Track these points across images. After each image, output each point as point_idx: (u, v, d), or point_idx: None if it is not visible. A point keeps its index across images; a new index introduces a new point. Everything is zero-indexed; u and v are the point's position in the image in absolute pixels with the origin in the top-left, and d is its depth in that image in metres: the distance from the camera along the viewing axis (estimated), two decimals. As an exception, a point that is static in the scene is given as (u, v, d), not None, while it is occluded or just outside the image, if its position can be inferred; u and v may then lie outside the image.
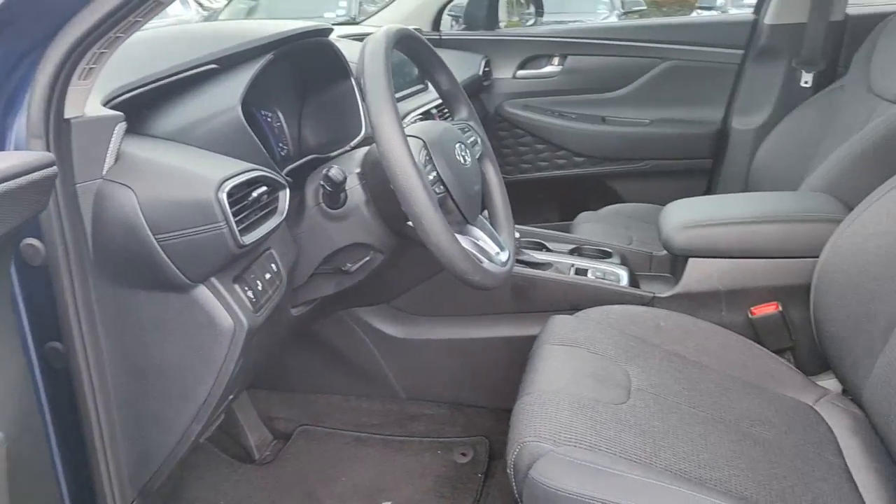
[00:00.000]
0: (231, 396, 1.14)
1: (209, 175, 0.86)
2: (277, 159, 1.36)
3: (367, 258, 1.18)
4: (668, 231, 1.54)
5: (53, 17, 0.76)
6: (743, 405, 1.25)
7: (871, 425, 1.26)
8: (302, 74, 1.36)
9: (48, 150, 0.80)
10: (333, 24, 2.60)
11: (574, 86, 2.44)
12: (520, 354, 1.57)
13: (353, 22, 2.46)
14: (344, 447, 1.72)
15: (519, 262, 1.60)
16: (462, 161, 1.14)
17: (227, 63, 1.05)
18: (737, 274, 1.48)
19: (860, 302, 1.28)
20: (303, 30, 1.25)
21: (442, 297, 1.61)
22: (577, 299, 1.54)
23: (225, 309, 0.91)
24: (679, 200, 1.69)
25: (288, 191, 1.01)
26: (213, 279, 0.91)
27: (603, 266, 1.64)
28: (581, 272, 1.61)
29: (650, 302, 1.52)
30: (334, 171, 1.03)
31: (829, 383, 1.41)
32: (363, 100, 0.99)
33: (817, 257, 1.37)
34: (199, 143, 0.99)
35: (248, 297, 0.94)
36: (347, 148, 1.32)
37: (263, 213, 0.96)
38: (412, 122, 1.43)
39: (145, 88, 0.94)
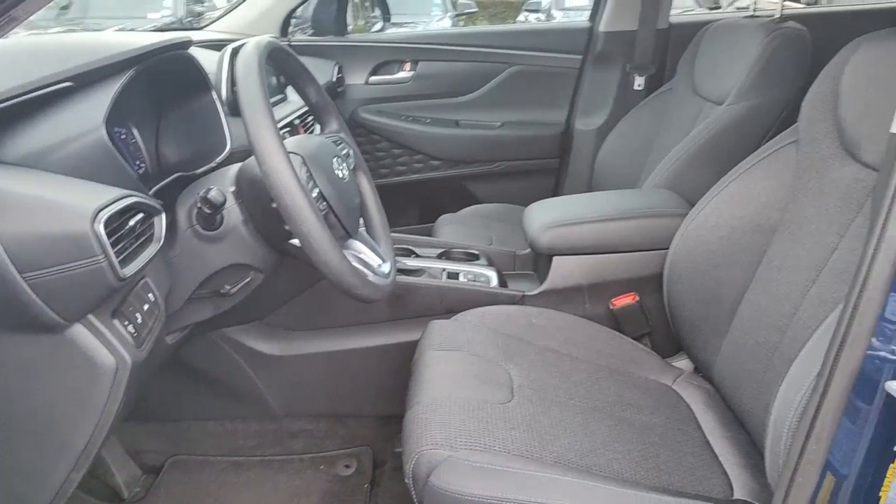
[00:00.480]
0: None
1: (81, 205, 0.80)
2: (137, 175, 1.29)
3: (248, 279, 1.14)
4: (533, 232, 1.61)
5: None
6: (613, 391, 1.35)
7: (722, 398, 1.40)
8: (158, 88, 1.29)
9: None
10: (176, 29, 2.47)
11: (427, 91, 2.49)
12: (399, 361, 1.58)
13: (193, 27, 2.35)
14: (221, 474, 1.65)
15: (391, 269, 1.62)
16: (340, 175, 1.14)
17: (84, 80, 0.97)
18: (598, 269, 1.58)
19: (707, 288, 1.42)
20: (164, 44, 1.18)
21: (316, 311, 1.59)
22: (451, 303, 1.58)
23: (105, 347, 0.85)
24: (540, 201, 1.78)
25: (164, 216, 0.95)
26: (90, 316, 0.84)
27: (472, 268, 1.69)
28: (453, 276, 1.65)
29: (520, 300, 1.59)
30: (213, 194, 0.99)
31: (683, 363, 1.55)
32: (241, 117, 0.96)
33: (668, 249, 1.49)
34: (59, 169, 0.91)
35: (128, 331, 0.88)
36: (213, 164, 1.27)
37: (140, 241, 0.90)
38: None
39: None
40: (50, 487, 0.89)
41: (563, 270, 1.59)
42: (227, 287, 1.17)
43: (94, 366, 0.85)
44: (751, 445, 1.26)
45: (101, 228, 0.79)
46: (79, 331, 0.84)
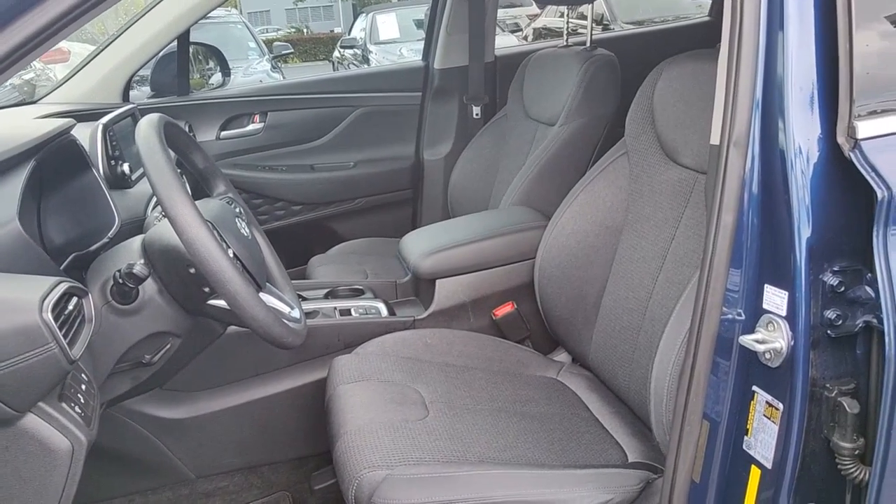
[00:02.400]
0: None
1: (24, 297, 0.82)
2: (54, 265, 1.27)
3: (167, 346, 1.17)
4: (414, 260, 1.75)
5: None
6: (510, 391, 1.50)
7: (601, 381, 1.60)
8: (36, 171, 1.29)
9: None
10: (8, 106, 2.36)
11: (279, 139, 2.55)
12: (306, 402, 1.65)
13: (27, 102, 2.26)
14: (137, 550, 1.62)
15: (286, 315, 1.68)
16: (245, 233, 1.21)
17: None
18: (477, 285, 1.75)
19: (573, 287, 1.62)
20: (56, 131, 1.20)
21: (215, 368, 1.62)
22: (349, 337, 1.67)
23: (59, 431, 0.86)
24: (414, 232, 1.92)
25: (91, 296, 0.98)
26: (41, 404, 0.85)
27: (361, 302, 1.79)
28: (345, 312, 1.75)
29: (412, 325, 1.71)
30: (138, 268, 1.03)
31: (562, 357, 1.75)
32: (154, 193, 1.01)
33: (534, 257, 1.69)
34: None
35: (76, 412, 0.90)
36: (106, 240, 1.29)
37: (76, 324, 0.92)
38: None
39: None
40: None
41: (447, 291, 1.73)
42: (148, 356, 1.19)
43: (49, 451, 0.86)
44: (633, 416, 1.47)
45: (48, 316, 0.82)
46: (31, 420, 0.85)
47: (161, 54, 2.41)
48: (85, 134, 1.44)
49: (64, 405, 0.90)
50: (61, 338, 0.84)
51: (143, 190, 1.53)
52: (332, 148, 2.61)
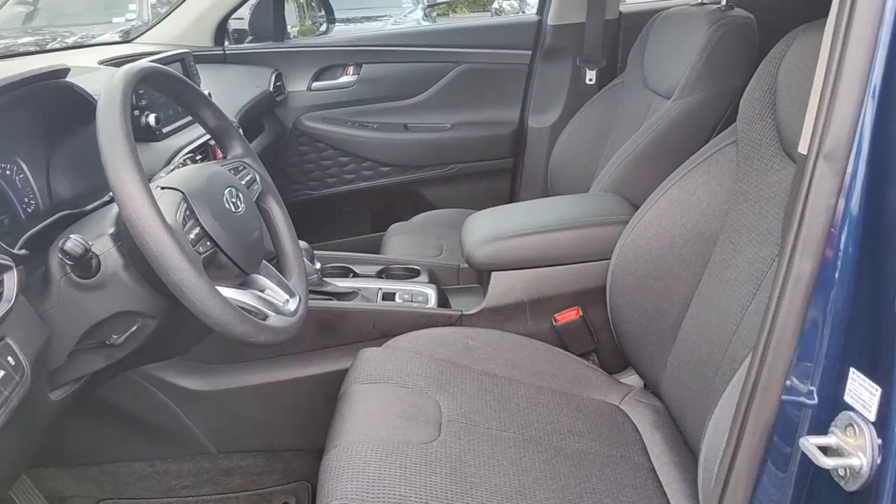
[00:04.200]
0: None
1: None
2: (23, 219, 1.19)
3: (135, 327, 1.04)
4: (469, 247, 1.52)
5: None
6: (553, 418, 1.26)
7: (671, 417, 1.31)
8: (45, 119, 1.19)
9: None
10: (103, 43, 2.36)
11: (372, 94, 2.38)
12: (333, 390, 1.49)
13: (124, 40, 2.23)
14: (154, 519, 1.56)
15: (322, 293, 1.53)
16: (233, 208, 1.04)
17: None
18: (539, 283, 1.50)
19: (649, 301, 1.33)
20: (30, 74, 1.08)
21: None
22: (386, 326, 1.49)
23: None
24: (478, 213, 1.69)
25: (14, 272, 0.85)
26: None
27: (410, 287, 1.60)
28: (389, 296, 1.56)
29: (458, 321, 1.50)
30: (70, 244, 0.89)
31: (632, 379, 1.47)
32: (100, 155, 0.86)
33: (610, 259, 1.41)
34: None
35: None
36: (107, 199, 1.17)
37: None
38: (180, 164, 1.30)
39: None
40: None
41: (503, 286, 1.50)
42: (115, 337, 1.07)
43: None
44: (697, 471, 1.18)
45: None
46: None
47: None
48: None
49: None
50: None
51: (171, 144, 1.40)
52: (428, 107, 2.41)
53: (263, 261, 1.15)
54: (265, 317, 1.04)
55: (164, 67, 1.06)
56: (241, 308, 1.03)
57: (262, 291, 1.11)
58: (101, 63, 1.69)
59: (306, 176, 2.43)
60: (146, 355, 1.31)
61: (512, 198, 2.47)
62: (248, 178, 1.18)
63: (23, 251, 0.94)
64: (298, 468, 1.59)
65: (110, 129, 0.87)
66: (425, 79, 2.39)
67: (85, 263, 0.94)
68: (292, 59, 2.32)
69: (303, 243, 1.48)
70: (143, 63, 1.01)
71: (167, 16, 2.22)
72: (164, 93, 1.11)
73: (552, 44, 2.31)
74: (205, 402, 1.51)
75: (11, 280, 0.85)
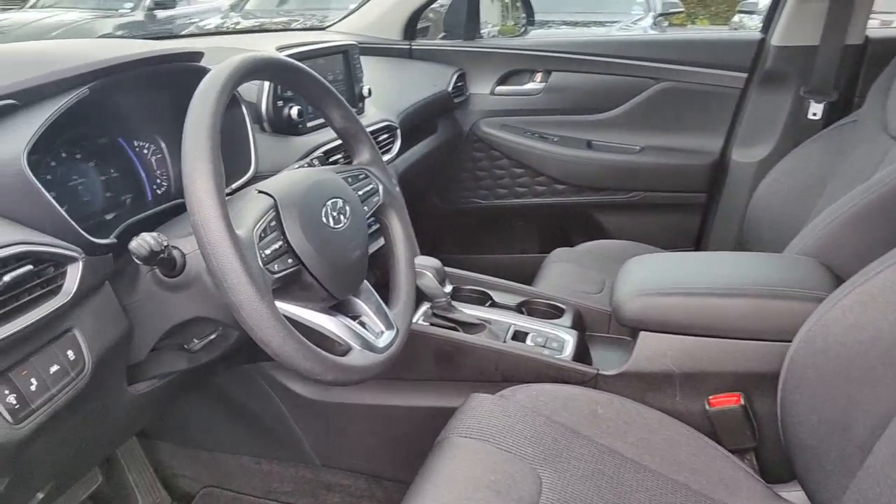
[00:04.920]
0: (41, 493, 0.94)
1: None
2: (149, 200, 1.17)
3: (213, 335, 0.97)
4: (619, 296, 1.30)
5: None
6: (682, 528, 1.02)
7: (842, 561, 1.02)
8: (186, 103, 1.16)
9: None
10: (300, 28, 2.40)
11: (558, 105, 2.20)
12: (442, 428, 1.35)
13: (319, 28, 2.25)
14: (250, 517, 1.53)
15: (449, 320, 1.39)
16: (331, 222, 0.93)
17: (27, 98, 0.85)
18: (696, 354, 1.24)
19: (835, 406, 1.04)
20: (159, 54, 1.05)
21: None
22: (509, 371, 1.32)
23: None
24: (643, 256, 1.46)
25: (80, 264, 0.80)
26: None
27: (547, 329, 1.41)
28: (520, 336, 1.38)
29: (592, 380, 1.29)
30: (135, 244, 0.82)
31: (796, 496, 1.17)
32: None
33: (790, 342, 1.12)
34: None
35: (7, 404, 0.74)
36: (231, 189, 1.12)
37: (37, 294, 0.76)
38: (306, 164, 1.21)
39: None
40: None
41: (652, 350, 1.26)
42: (195, 342, 1.01)
43: None
44: None
45: None
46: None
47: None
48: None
49: (-1, 386, 0.74)
50: None
51: (311, 140, 1.33)
52: (617, 125, 2.18)
53: (366, 283, 1.03)
54: (348, 350, 0.92)
55: (285, 59, 0.96)
56: (328, 335, 0.92)
57: (356, 319, 0.99)
58: (277, 49, 1.67)
59: (477, 184, 2.31)
60: (232, 361, 1.26)
61: (699, 240, 2.17)
62: (367, 188, 1.07)
63: (112, 240, 0.90)
64: (398, 500, 1.47)
65: (195, 125, 0.79)
66: (619, 94, 2.16)
67: (167, 261, 0.88)
68: (479, 60, 2.20)
69: (434, 261, 1.36)
70: (257, 54, 0.92)
71: (360, 7, 2.20)
72: (286, 86, 1.02)
73: (773, 67, 1.98)
74: (313, 410, 1.44)
75: (76, 272, 0.80)
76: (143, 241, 0.79)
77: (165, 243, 0.82)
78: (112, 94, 1.03)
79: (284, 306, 0.90)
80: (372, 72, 1.98)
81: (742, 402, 1.21)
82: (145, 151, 1.17)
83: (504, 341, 1.36)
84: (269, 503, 1.55)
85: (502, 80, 2.22)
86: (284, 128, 1.31)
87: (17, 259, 0.73)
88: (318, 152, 1.27)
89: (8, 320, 0.72)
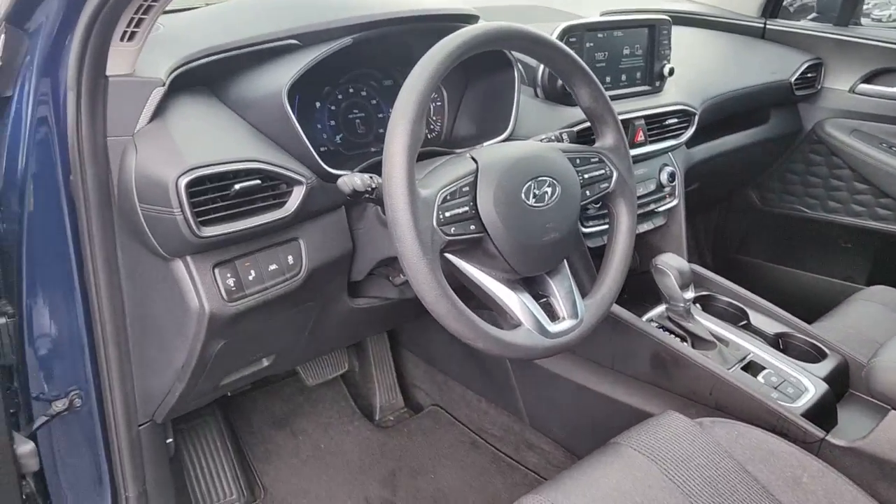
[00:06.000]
0: (264, 362, 1.15)
1: (187, 159, 0.84)
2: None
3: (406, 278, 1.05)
4: (878, 359, 1.09)
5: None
6: None
7: None
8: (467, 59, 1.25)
9: (78, 101, 0.87)
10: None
11: (936, 117, 1.81)
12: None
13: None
14: (459, 445, 1.65)
15: (680, 327, 1.30)
16: (532, 200, 0.93)
17: (309, 40, 1.00)
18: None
19: None
20: (437, 12, 1.12)
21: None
22: (723, 399, 1.20)
23: (193, 290, 0.90)
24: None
25: (304, 188, 0.94)
26: (189, 258, 0.90)
27: (792, 371, 1.23)
28: (755, 368, 1.24)
29: (816, 444, 1.11)
30: (341, 181, 0.91)
31: None
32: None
33: None
34: (253, 120, 0.97)
35: (226, 284, 0.91)
36: (483, 145, 1.18)
37: (267, 203, 0.91)
38: (553, 137, 1.19)
39: (208, 59, 0.94)
40: (165, 381, 1.03)
41: (899, 434, 1.04)
42: (399, 277, 1.11)
43: (183, 303, 0.91)
44: None
45: (182, 184, 0.82)
46: (178, 267, 0.91)
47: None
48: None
49: (217, 271, 0.92)
50: (188, 210, 0.84)
51: (575, 114, 1.30)
52: None
53: (565, 265, 1.02)
54: (517, 325, 0.94)
55: (529, 30, 0.96)
56: (503, 305, 0.95)
57: (542, 298, 0.99)
58: (602, 14, 1.66)
59: (806, 190, 2.03)
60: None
61: None
62: (596, 172, 1.04)
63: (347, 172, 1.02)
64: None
65: (410, 86, 0.85)
66: None
67: (380, 200, 0.97)
68: (844, 50, 1.90)
69: (680, 262, 1.27)
70: (498, 25, 0.94)
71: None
72: (535, 58, 1.02)
73: None
74: (531, 372, 1.49)
75: (299, 193, 0.94)
76: (349, 180, 0.90)
77: (373, 186, 0.92)
78: (392, 41, 1.14)
79: (468, 267, 0.95)
80: (704, 49, 1.85)
81: None
82: (433, 99, 1.28)
83: (731, 367, 1.23)
84: (478, 438, 1.66)
85: (868, 78, 1.88)
86: (557, 96, 1.31)
87: (248, 173, 0.89)
88: (566, 126, 1.24)
89: (236, 220, 0.89)
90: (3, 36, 0.93)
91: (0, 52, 0.94)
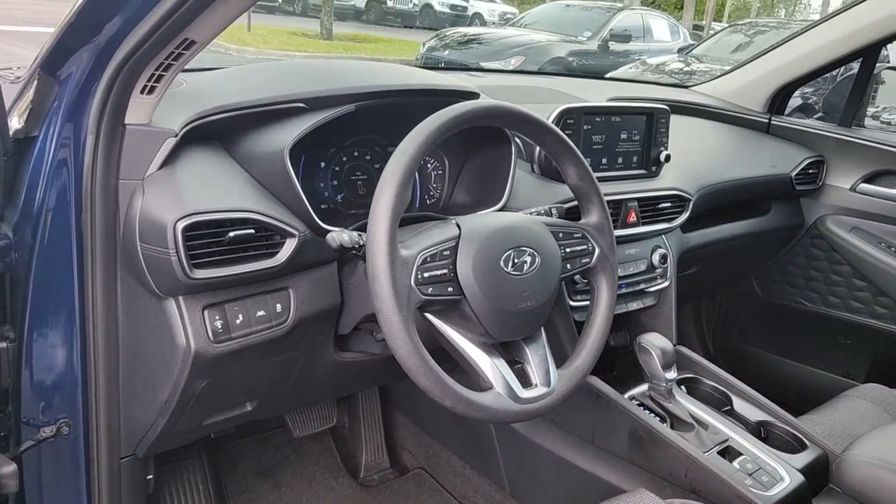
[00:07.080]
0: (248, 408, 1.19)
1: (187, 204, 0.90)
2: (416, 207, 1.34)
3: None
4: (847, 454, 1.09)
5: (106, 44, 0.88)
6: None
7: None
8: (467, 132, 1.32)
9: (96, 145, 0.94)
10: (665, 84, 2.38)
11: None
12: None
13: (681, 85, 2.22)
14: (443, 513, 1.66)
15: (660, 406, 1.31)
16: (510, 269, 0.97)
17: (315, 105, 1.07)
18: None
19: None
20: (439, 87, 1.20)
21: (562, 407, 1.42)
22: (698, 483, 1.20)
23: (181, 329, 0.95)
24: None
25: (296, 240, 0.99)
26: (181, 298, 0.95)
27: (770, 460, 1.23)
28: (732, 454, 1.25)
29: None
30: (330, 236, 0.96)
31: None
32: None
33: None
34: (256, 174, 1.04)
35: (213, 326, 0.96)
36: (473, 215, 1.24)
37: (259, 252, 0.97)
38: (543, 212, 1.24)
39: (220, 116, 1.02)
40: (145, 420, 1.06)
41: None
42: (377, 333, 1.14)
43: (171, 340, 0.96)
44: None
45: (179, 227, 0.88)
46: (170, 306, 0.96)
47: (845, 76, 2.01)
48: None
49: (206, 313, 0.97)
50: (182, 252, 0.89)
51: (564, 191, 1.35)
52: None
53: (542, 334, 1.06)
54: (488, 388, 0.96)
55: (519, 110, 1.02)
56: (475, 367, 0.98)
57: (515, 364, 1.02)
58: (608, 100, 1.73)
59: (808, 284, 2.05)
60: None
61: None
62: (578, 248, 1.08)
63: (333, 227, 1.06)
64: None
65: (401, 151, 0.91)
66: None
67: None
68: (846, 150, 1.95)
69: (665, 342, 1.29)
70: (486, 103, 1.00)
71: (731, 72, 2.12)
72: (524, 135, 1.08)
73: None
74: (512, 440, 1.50)
75: (290, 245, 0.99)
76: (338, 236, 0.95)
77: (360, 243, 0.97)
78: (396, 110, 1.21)
79: (445, 328, 0.98)
80: (707, 138, 1.91)
81: None
82: (428, 165, 1.35)
83: (707, 451, 1.24)
84: (458, 506, 1.66)
85: (869, 178, 1.93)
86: (552, 173, 1.37)
87: (243, 222, 0.95)
88: (558, 202, 1.28)
89: (228, 266, 0.95)
90: (35, 82, 1.02)
91: (31, 97, 1.03)
